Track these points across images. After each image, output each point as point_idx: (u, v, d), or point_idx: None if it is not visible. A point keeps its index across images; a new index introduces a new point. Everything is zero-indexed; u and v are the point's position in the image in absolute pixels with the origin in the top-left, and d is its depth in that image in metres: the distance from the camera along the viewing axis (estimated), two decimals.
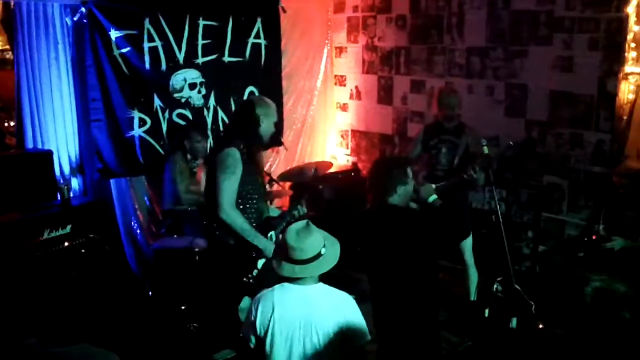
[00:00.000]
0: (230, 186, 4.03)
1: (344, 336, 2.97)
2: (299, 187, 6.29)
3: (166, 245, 5.32)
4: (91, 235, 5.10)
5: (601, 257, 4.50)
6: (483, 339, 4.39)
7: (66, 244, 4.98)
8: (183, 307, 5.16)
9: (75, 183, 5.73)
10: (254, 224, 4.13)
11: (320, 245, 3.06)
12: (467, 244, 4.21)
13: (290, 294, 3.04)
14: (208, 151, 5.64)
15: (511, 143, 5.72)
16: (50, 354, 2.67)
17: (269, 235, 4.20)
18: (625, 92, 5.42)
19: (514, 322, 3.98)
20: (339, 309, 3.00)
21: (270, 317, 3.01)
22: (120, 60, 5.60)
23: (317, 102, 7.62)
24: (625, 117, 5.47)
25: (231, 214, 4.01)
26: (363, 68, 7.47)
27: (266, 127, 4.22)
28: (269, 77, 6.76)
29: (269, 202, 5.30)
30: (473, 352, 4.55)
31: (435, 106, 5.49)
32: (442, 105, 5.32)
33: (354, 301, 3.07)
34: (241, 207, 4.10)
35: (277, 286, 3.09)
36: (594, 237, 4.71)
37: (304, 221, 3.12)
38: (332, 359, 2.99)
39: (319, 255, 3.04)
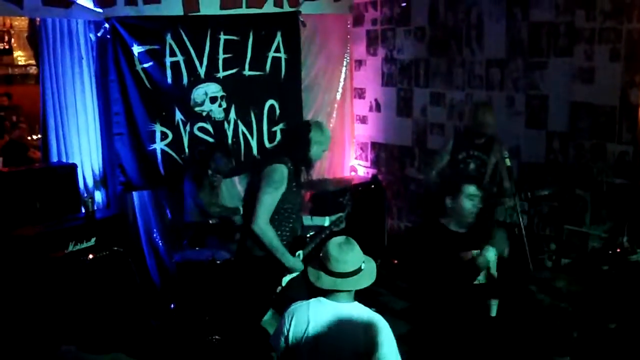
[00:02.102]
0: (270, 201, 4.06)
1: (375, 359, 2.96)
2: (319, 198, 6.30)
3: (188, 258, 5.35)
4: (115, 248, 5.14)
5: (625, 270, 4.45)
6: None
7: (90, 256, 5.03)
8: (206, 319, 5.18)
9: (98, 196, 5.81)
10: (285, 242, 4.15)
11: (360, 260, 3.08)
12: (493, 258, 4.20)
13: (326, 309, 3.04)
14: (230, 168, 5.72)
15: None
16: None
17: (297, 253, 4.22)
18: None
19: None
20: (373, 331, 2.98)
21: (305, 330, 3.01)
22: (142, 74, 5.68)
23: (336, 115, 7.64)
24: None
25: (264, 228, 4.04)
26: (382, 80, 7.48)
27: (316, 151, 4.25)
28: (288, 90, 6.82)
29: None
30: None
31: (470, 120, 5.47)
32: (477, 121, 5.30)
33: (387, 324, 3.06)
34: (276, 223, 4.12)
35: (313, 300, 3.09)
36: (618, 250, 4.66)
37: (344, 236, 3.14)
38: None
39: (359, 269, 3.05)
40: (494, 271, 4.24)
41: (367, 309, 3.08)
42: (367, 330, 2.98)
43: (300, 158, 4.19)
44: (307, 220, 4.81)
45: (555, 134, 5.87)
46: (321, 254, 3.12)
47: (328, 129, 4.45)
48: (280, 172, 4.07)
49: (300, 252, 4.26)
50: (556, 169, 5.87)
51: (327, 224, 4.84)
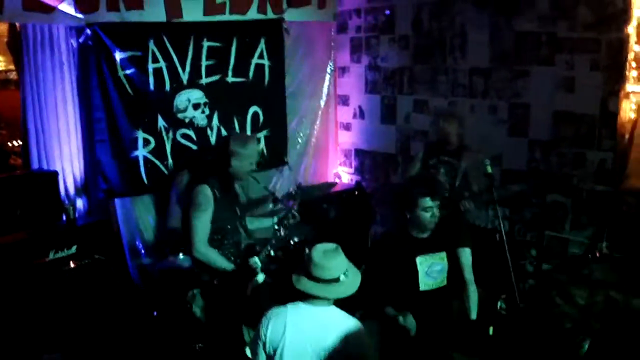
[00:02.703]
0: (201, 225, 4.04)
1: None
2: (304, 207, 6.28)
3: (171, 265, 5.32)
4: (96, 256, 5.10)
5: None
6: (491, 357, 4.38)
7: (72, 264, 4.99)
8: (188, 328, 5.14)
9: (80, 203, 5.75)
10: (232, 258, 4.15)
11: (342, 269, 3.09)
12: (467, 261, 4.22)
13: (303, 314, 3.05)
14: None
15: None
16: None
17: (253, 261, 4.19)
18: (627, 110, 5.45)
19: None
20: (350, 337, 3.00)
21: (282, 336, 3.02)
22: (124, 81, 5.64)
23: (320, 122, 7.64)
24: (627, 136, 5.50)
25: (204, 252, 4.05)
26: (366, 88, 7.51)
27: (238, 165, 4.23)
28: (272, 97, 6.81)
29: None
30: None
31: (434, 130, 5.56)
32: (440, 132, 5.40)
33: (364, 329, 3.07)
34: (216, 244, 4.11)
35: (290, 305, 3.10)
36: (597, 255, 4.71)
37: (334, 244, 3.16)
38: None
39: (338, 279, 3.05)
40: (468, 274, 4.24)
41: (344, 314, 3.09)
42: (345, 337, 2.99)
43: (223, 173, 4.17)
44: (254, 222, 4.76)
45: (537, 142, 5.92)
46: (305, 257, 3.14)
47: (254, 143, 4.40)
48: (204, 193, 4.06)
49: (256, 258, 4.22)
50: (537, 177, 5.92)
51: (275, 220, 4.81)
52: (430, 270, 4.16)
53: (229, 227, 4.24)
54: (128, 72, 5.65)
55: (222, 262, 4.08)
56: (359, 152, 7.76)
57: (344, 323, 3.06)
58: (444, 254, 4.21)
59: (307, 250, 3.21)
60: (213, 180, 4.13)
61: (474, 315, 4.11)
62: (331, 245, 3.14)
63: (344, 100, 7.80)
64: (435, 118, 5.62)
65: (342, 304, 3.16)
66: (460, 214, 5.31)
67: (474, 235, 4.40)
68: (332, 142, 7.92)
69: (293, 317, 3.04)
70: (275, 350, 3.03)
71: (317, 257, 3.06)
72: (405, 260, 4.15)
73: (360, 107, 7.64)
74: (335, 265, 3.07)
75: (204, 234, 4.05)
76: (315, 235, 5.16)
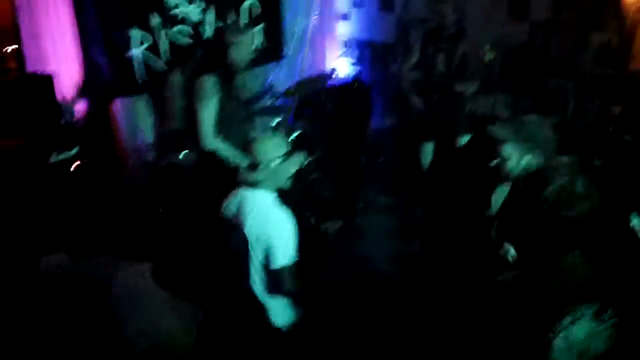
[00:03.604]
0: (208, 114, 4.01)
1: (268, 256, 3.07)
2: (303, 101, 6.26)
3: (171, 163, 5.36)
4: (97, 158, 5.13)
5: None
6: None
7: (73, 166, 5.04)
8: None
9: (79, 106, 5.73)
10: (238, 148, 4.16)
11: (276, 154, 3.11)
12: None
13: (249, 200, 3.12)
14: None
15: None
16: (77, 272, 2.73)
17: None
18: None
19: None
20: (273, 227, 3.05)
21: (233, 216, 3.16)
22: None
23: (318, 13, 7.44)
24: (632, 16, 5.36)
25: (212, 143, 4.02)
26: None
27: (236, 55, 4.13)
28: None
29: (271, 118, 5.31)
30: None
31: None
32: (435, 12, 5.28)
33: (290, 223, 3.10)
34: (223, 133, 4.09)
35: (241, 190, 3.18)
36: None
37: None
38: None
39: (267, 164, 3.10)
40: None
41: (278, 204, 3.13)
42: (269, 219, 3.06)
43: (224, 64, 4.10)
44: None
45: (537, 23, 5.78)
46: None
47: (249, 31, 4.31)
48: (207, 82, 4.00)
49: None
50: (539, 59, 5.82)
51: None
52: None
53: (234, 117, 4.22)
54: None
55: (231, 153, 4.08)
56: (358, 43, 7.61)
57: (275, 212, 3.11)
58: None
59: None
60: (215, 72, 4.08)
61: None
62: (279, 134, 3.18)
63: None
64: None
65: None
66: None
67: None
68: (330, 33, 7.75)
69: (242, 201, 3.15)
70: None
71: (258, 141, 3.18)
72: None
73: None
74: (270, 148, 3.13)
75: (210, 124, 4.03)
76: (314, 130, 5.16)
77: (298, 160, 3.20)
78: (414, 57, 5.45)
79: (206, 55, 4.34)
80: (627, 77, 5.05)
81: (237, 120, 4.27)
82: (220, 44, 4.14)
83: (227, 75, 4.18)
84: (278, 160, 3.11)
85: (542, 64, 5.81)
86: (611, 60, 5.40)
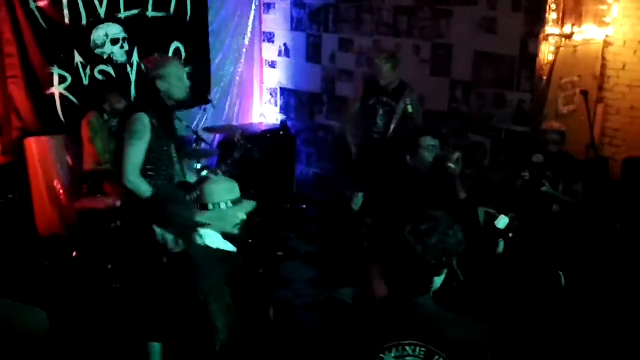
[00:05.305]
0: (136, 153, 3.90)
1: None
2: (227, 146, 6.23)
3: (88, 206, 5.20)
4: (10, 196, 4.93)
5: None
6: None
7: None
8: (108, 267, 5.06)
9: None
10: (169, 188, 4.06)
11: (224, 198, 3.01)
12: None
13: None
14: None
15: None
16: None
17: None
18: (546, 53, 5.58)
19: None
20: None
21: None
22: (37, 13, 5.34)
23: (245, 59, 7.50)
24: (545, 78, 5.65)
25: (135, 182, 3.89)
26: (292, 25, 7.38)
27: (167, 87, 4.00)
28: (195, 32, 6.60)
29: (196, 161, 5.23)
30: None
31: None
32: (378, 72, 5.39)
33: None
34: (151, 173, 4.01)
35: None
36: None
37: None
38: None
39: (217, 206, 2.99)
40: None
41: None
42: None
43: (155, 100, 4.01)
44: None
45: (458, 83, 6.01)
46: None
47: (174, 62, 4.20)
48: (141, 121, 3.88)
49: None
50: (458, 117, 6.03)
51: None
52: None
53: (164, 158, 4.11)
54: (41, 4, 5.35)
55: (150, 193, 3.96)
56: (284, 91, 7.68)
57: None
58: None
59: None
60: (151, 110, 3.98)
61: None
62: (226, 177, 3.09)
63: (269, 38, 7.65)
64: (376, 58, 5.56)
65: None
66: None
67: None
68: (257, 81, 7.80)
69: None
70: None
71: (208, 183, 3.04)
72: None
73: (285, 45, 7.51)
74: (216, 191, 3.00)
75: (137, 163, 3.89)
76: (238, 176, 5.10)
77: (249, 206, 3.12)
78: (357, 107, 5.54)
79: (136, 93, 4.22)
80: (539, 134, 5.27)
81: (167, 161, 4.18)
82: (148, 80, 4.05)
83: (164, 113, 4.09)
84: (229, 204, 3.03)
85: (461, 121, 6.02)
86: (525, 119, 5.65)
